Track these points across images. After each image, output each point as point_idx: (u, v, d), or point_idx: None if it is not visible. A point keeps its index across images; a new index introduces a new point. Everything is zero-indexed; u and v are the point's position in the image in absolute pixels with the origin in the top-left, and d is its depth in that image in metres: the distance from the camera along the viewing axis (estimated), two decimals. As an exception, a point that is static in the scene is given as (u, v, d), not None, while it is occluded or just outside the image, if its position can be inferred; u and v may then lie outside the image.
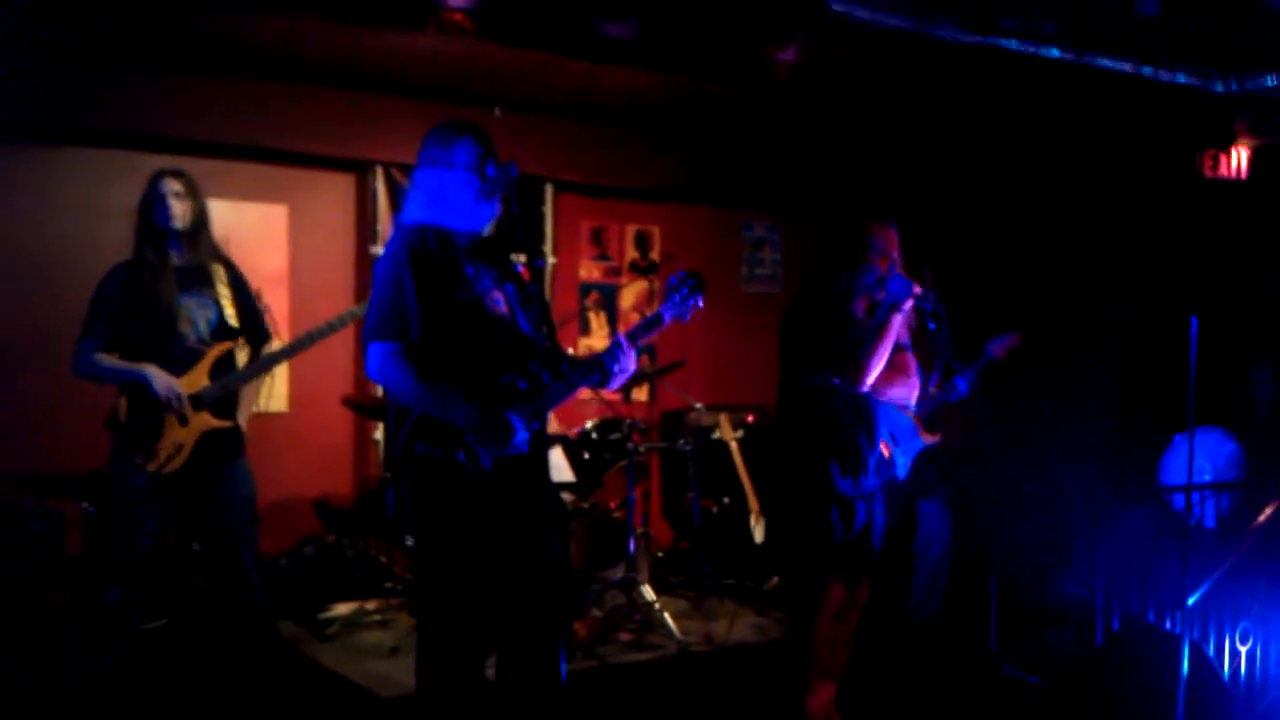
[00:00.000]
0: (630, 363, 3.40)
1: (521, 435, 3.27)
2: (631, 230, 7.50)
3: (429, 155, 3.43)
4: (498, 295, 3.40)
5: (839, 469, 4.18)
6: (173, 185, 4.33)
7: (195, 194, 4.39)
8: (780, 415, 4.39)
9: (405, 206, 3.48)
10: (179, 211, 4.32)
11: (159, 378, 4.23)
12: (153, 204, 4.33)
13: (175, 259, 4.36)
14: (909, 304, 4.10)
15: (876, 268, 4.18)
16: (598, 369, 3.40)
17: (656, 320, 3.44)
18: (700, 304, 3.44)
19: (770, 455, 4.48)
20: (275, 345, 4.59)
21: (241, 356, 4.51)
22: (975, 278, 4.22)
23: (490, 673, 3.44)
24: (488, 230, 3.45)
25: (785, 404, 4.35)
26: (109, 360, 4.29)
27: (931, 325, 4.14)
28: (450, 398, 3.25)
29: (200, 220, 4.40)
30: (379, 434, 6.39)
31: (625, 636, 5.50)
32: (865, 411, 4.25)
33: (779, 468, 4.42)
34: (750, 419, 7.21)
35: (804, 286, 4.39)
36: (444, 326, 3.29)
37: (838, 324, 4.18)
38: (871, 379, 4.10)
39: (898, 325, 4.12)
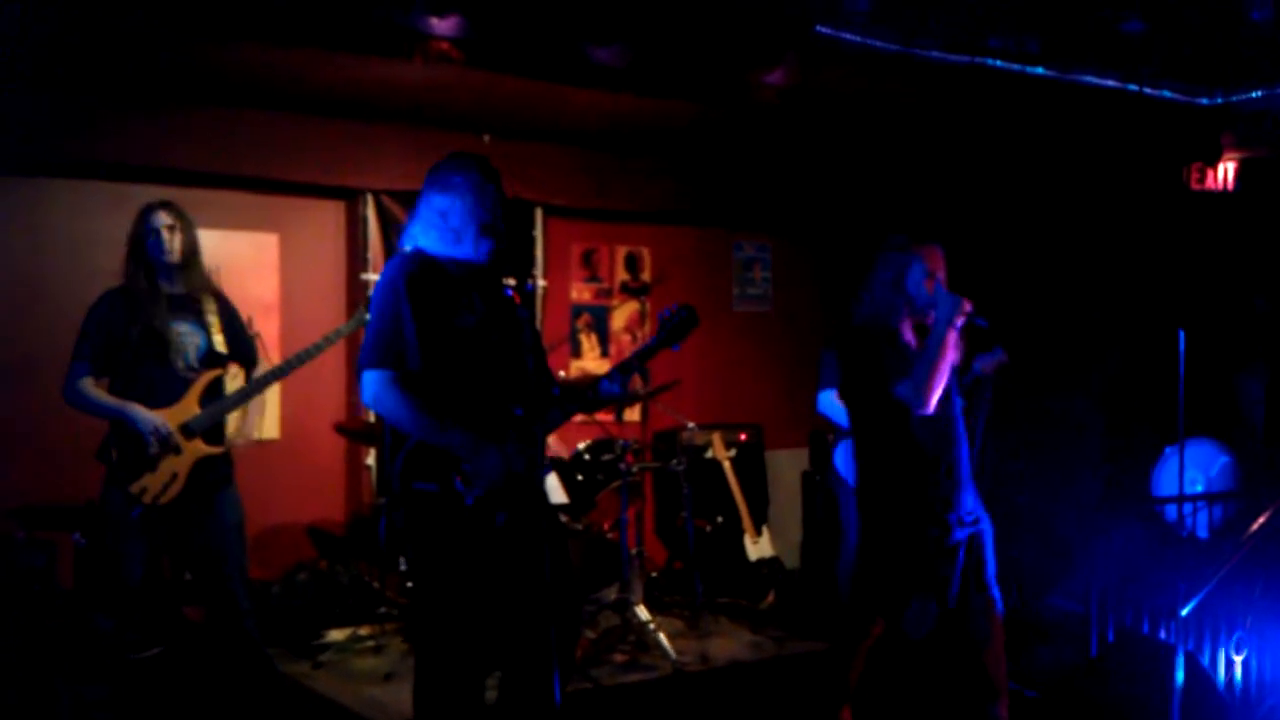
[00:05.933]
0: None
1: (517, 462, 3.28)
2: (622, 252, 7.52)
3: (435, 184, 3.44)
4: (492, 321, 3.40)
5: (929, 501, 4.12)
6: (164, 219, 4.34)
7: (187, 225, 4.40)
8: (863, 443, 4.29)
9: (406, 232, 3.49)
10: (172, 245, 4.33)
11: (145, 418, 4.22)
12: (145, 238, 4.34)
13: (166, 287, 4.37)
14: (961, 321, 4.04)
15: (923, 290, 4.12)
16: (593, 394, 3.44)
17: (647, 353, 3.49)
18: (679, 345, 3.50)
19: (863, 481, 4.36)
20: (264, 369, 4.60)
21: (236, 384, 4.52)
22: (965, 293, 4.27)
23: (490, 695, 3.43)
24: (486, 259, 3.45)
25: (864, 431, 4.27)
26: (97, 394, 4.29)
27: (982, 323, 4.08)
28: (445, 425, 3.25)
29: (192, 251, 4.41)
30: (371, 459, 6.38)
31: (619, 657, 5.49)
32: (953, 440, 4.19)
33: (869, 495, 4.30)
34: (743, 438, 7.22)
35: (851, 313, 4.32)
36: (439, 353, 3.29)
37: (893, 348, 4.13)
38: (935, 400, 4.02)
39: (953, 343, 4.05)
